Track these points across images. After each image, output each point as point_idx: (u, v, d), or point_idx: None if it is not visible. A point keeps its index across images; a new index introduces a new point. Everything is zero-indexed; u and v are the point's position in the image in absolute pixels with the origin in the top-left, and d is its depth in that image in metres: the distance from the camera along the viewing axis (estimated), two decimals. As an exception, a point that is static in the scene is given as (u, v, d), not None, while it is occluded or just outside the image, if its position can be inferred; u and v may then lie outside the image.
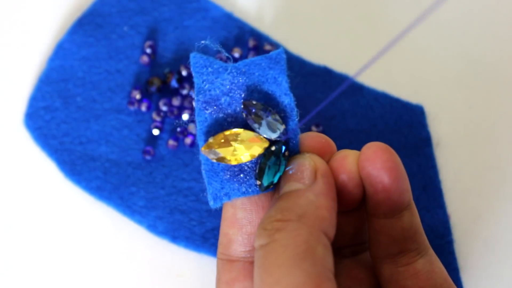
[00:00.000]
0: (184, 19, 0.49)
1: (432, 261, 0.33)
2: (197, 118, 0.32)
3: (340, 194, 0.32)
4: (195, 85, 0.32)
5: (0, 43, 0.49)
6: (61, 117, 0.46)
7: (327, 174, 0.31)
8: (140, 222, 0.44)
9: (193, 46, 0.48)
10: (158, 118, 0.46)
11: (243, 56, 0.48)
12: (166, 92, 0.47)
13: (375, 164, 0.32)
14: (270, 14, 0.50)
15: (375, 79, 0.48)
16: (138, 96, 0.47)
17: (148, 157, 0.45)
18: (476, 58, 0.49)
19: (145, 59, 0.47)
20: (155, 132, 0.46)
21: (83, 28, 0.49)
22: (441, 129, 0.47)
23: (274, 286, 0.27)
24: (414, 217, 0.33)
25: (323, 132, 0.46)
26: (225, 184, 0.32)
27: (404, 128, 0.46)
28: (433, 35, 0.50)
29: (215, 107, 0.32)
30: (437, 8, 0.25)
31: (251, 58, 0.32)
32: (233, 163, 0.31)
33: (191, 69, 0.32)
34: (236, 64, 0.32)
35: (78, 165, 0.45)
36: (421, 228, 0.34)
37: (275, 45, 0.48)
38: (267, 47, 0.48)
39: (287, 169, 0.31)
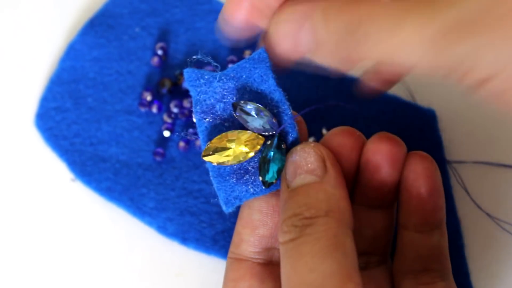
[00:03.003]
0: (195, 20, 0.49)
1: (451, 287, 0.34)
2: (198, 129, 0.33)
3: (370, 178, 0.32)
4: (192, 98, 0.33)
5: (12, 44, 0.50)
6: (72, 117, 0.46)
7: (336, 163, 0.31)
8: (150, 223, 0.44)
9: (205, 48, 0.48)
10: (169, 120, 0.46)
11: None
12: (177, 93, 0.47)
13: (416, 169, 0.32)
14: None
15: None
16: (149, 98, 0.47)
17: (158, 159, 0.45)
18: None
19: (156, 60, 0.47)
20: (166, 133, 0.46)
21: (95, 29, 0.49)
22: (452, 133, 0.47)
23: (308, 274, 0.27)
24: (443, 238, 0.34)
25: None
26: (234, 187, 0.32)
27: (416, 132, 0.46)
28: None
29: (211, 115, 0.33)
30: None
31: (238, 62, 0.34)
32: (233, 163, 0.32)
33: (186, 84, 0.33)
34: (225, 71, 0.33)
35: (88, 166, 0.45)
36: (447, 252, 0.34)
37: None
38: (279, 49, 0.48)
39: (292, 159, 0.31)
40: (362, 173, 0.33)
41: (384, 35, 0.26)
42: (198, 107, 0.33)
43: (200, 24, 0.49)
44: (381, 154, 0.32)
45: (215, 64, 0.33)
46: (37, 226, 0.45)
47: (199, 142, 0.45)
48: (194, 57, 0.35)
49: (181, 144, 0.46)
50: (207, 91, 0.33)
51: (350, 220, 0.29)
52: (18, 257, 0.44)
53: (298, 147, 0.31)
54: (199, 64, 0.48)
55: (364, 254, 0.35)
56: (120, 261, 0.44)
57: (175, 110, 0.46)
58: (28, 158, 0.46)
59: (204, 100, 0.33)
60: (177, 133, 0.46)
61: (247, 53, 0.47)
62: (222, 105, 0.33)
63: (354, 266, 0.28)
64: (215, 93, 0.33)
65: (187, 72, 0.33)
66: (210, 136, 0.33)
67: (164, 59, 0.48)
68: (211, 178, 0.33)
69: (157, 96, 0.47)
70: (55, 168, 0.46)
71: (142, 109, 0.47)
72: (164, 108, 0.47)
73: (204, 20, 0.49)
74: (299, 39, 0.30)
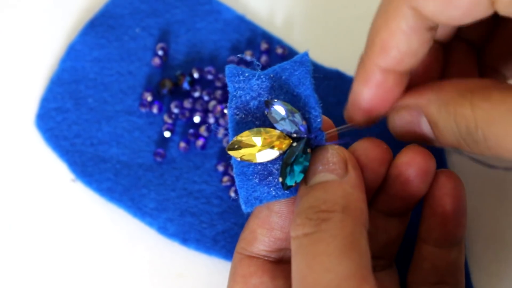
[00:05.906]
0: (196, 21, 0.49)
1: None
2: (229, 125, 0.33)
3: (400, 190, 0.33)
4: (229, 94, 0.34)
5: (12, 44, 0.50)
6: (73, 118, 0.46)
7: (357, 166, 0.31)
8: (150, 224, 0.44)
9: (205, 48, 0.48)
10: (169, 120, 0.46)
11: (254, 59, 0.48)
12: (178, 94, 0.47)
13: (443, 188, 0.32)
14: (282, 17, 0.50)
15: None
16: (149, 98, 0.47)
17: (159, 159, 0.45)
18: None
19: (156, 61, 0.47)
20: (167, 134, 0.46)
21: (95, 29, 0.49)
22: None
23: (324, 274, 0.27)
24: (461, 255, 0.34)
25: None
26: (256, 187, 0.32)
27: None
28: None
29: (244, 112, 0.33)
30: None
31: (279, 64, 0.34)
32: (257, 161, 0.32)
33: (226, 79, 0.34)
34: (265, 71, 0.34)
35: (89, 166, 0.45)
36: (463, 267, 0.34)
37: (287, 48, 0.48)
38: (279, 50, 0.48)
39: (314, 158, 0.31)
40: (391, 184, 0.33)
41: (501, 139, 0.29)
42: (233, 103, 0.33)
43: (201, 24, 0.49)
44: (414, 168, 0.32)
45: (257, 63, 0.34)
46: (38, 227, 0.45)
47: (199, 143, 0.45)
48: (238, 55, 0.39)
49: (182, 144, 0.46)
50: (244, 87, 0.33)
51: (366, 221, 0.29)
52: (19, 258, 0.44)
53: (322, 148, 0.32)
54: (200, 64, 0.48)
55: (373, 258, 0.35)
56: (120, 261, 0.44)
57: (175, 110, 0.46)
58: (28, 158, 0.46)
59: (240, 97, 0.33)
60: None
61: (247, 53, 0.47)
62: (256, 102, 0.33)
63: (368, 267, 0.28)
64: (252, 90, 0.33)
65: (229, 68, 0.34)
66: (239, 132, 0.32)
67: (164, 59, 0.48)
68: (234, 175, 0.33)
69: (157, 97, 0.47)
70: (55, 169, 0.46)
71: (143, 110, 0.47)
72: (164, 108, 0.47)
73: (205, 20, 0.49)
74: (420, 129, 0.33)
